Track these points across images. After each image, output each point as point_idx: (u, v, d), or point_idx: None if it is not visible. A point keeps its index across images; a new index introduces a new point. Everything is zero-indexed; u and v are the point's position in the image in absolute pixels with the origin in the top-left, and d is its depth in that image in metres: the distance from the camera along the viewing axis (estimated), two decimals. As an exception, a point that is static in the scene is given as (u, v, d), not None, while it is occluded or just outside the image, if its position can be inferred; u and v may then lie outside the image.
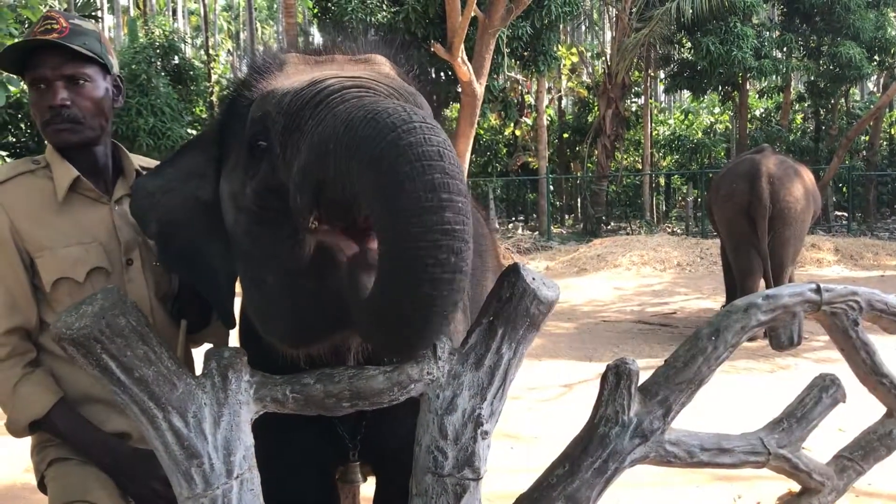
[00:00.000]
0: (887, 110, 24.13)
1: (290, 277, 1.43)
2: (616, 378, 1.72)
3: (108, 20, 28.50)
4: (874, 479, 3.87)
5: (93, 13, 15.34)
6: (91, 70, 1.97)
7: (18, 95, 13.73)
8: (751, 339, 6.36)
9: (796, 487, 2.14)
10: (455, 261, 1.14)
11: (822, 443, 2.50)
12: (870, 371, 2.08)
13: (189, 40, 29.64)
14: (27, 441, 2.05)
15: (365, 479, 2.07)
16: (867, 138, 23.09)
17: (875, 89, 28.00)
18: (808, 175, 8.23)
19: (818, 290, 1.96)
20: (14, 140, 15.22)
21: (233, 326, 1.98)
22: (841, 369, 2.16)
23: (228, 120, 1.70)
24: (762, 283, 7.68)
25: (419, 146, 1.14)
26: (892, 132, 26.92)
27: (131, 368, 1.34)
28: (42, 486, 2.02)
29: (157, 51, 17.41)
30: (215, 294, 1.79)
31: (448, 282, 1.15)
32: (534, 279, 1.60)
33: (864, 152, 23.49)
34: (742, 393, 5.88)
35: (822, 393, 2.03)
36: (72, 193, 1.98)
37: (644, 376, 1.81)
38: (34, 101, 1.94)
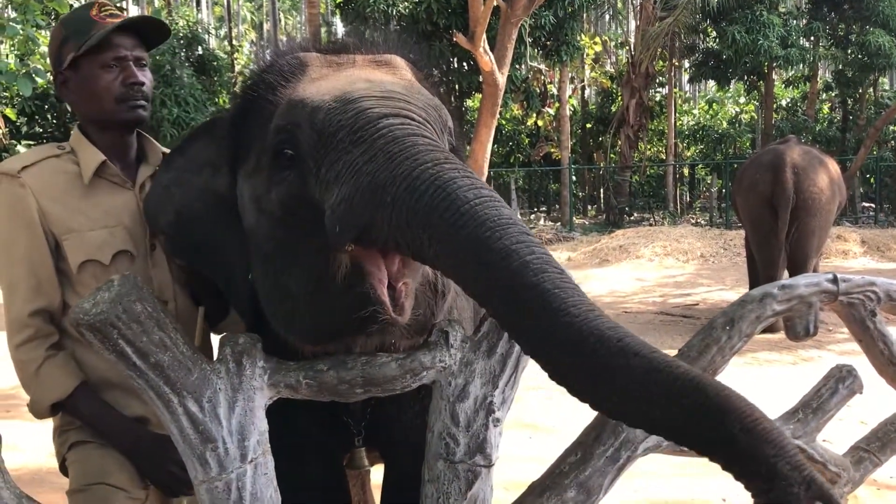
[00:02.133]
0: (917, 100, 23.70)
1: (316, 287, 1.45)
2: (630, 367, 1.72)
3: (133, 10, 28.71)
4: (896, 472, 3.85)
5: (118, 4, 15.49)
6: (147, 57, 2.10)
7: (45, 87, 13.91)
8: (772, 331, 6.28)
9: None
10: (561, 276, 1.16)
11: (844, 435, 2.48)
12: (887, 362, 2.07)
13: (213, 31, 29.83)
14: (51, 426, 2.09)
15: (372, 465, 2.08)
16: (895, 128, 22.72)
17: (905, 78, 27.57)
18: (833, 165, 8.14)
19: (835, 280, 1.95)
20: (41, 130, 15.43)
21: (213, 325, 2.02)
22: (863, 361, 2.14)
23: (245, 117, 1.70)
24: (786, 274, 7.61)
25: (496, 217, 1.19)
26: (922, 122, 26.46)
27: (147, 354, 1.37)
28: (63, 469, 2.05)
29: (181, 41, 17.56)
30: (231, 287, 1.81)
31: (570, 287, 1.16)
32: None
33: (893, 142, 23.12)
34: (763, 384, 5.84)
35: (839, 384, 2.01)
36: (97, 178, 2.01)
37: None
38: (106, 80, 1.99)
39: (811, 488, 1.02)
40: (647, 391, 1.06)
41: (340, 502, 2.09)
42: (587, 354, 1.08)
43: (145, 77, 2.05)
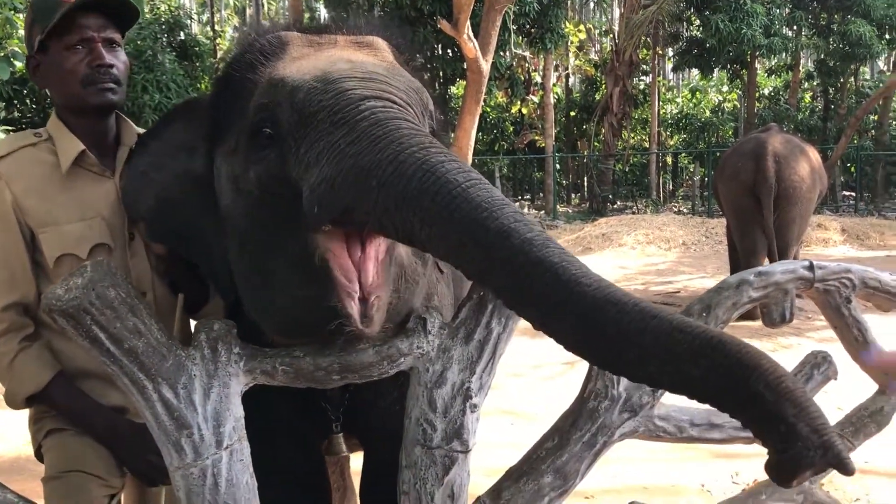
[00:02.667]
0: (897, 89, 23.88)
1: (294, 268, 1.45)
2: (606, 353, 1.73)
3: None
4: (870, 457, 3.90)
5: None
6: (119, 38, 2.03)
7: (23, 71, 13.73)
8: (752, 318, 6.34)
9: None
10: (557, 247, 1.17)
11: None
12: (861, 349, 2.09)
13: (195, 16, 29.54)
14: (28, 413, 2.08)
15: (352, 452, 2.09)
16: (876, 118, 22.88)
17: (885, 68, 27.76)
18: (814, 154, 8.19)
19: (811, 268, 1.96)
20: (19, 115, 15.24)
21: (193, 312, 2.00)
22: (842, 348, 2.16)
23: (225, 97, 1.68)
24: (767, 262, 7.67)
25: (487, 197, 1.19)
26: (902, 111, 26.68)
27: (121, 340, 1.36)
28: (39, 456, 2.04)
29: (163, 26, 17.35)
30: (212, 270, 1.80)
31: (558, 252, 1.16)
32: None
33: (873, 132, 23.29)
34: (743, 371, 5.89)
35: (814, 370, 2.03)
36: (75, 167, 1.97)
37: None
38: (72, 61, 1.94)
39: (828, 453, 1.02)
40: (670, 351, 1.06)
41: (318, 488, 2.09)
42: (609, 321, 1.08)
43: (116, 59, 1.99)
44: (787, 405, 1.03)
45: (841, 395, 3.01)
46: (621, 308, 1.08)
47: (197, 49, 18.57)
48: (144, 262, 2.03)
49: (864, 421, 2.15)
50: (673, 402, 1.86)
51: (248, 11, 35.94)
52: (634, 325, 1.07)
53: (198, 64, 18.27)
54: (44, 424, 2.01)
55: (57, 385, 1.91)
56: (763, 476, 2.29)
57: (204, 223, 1.73)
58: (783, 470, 1.06)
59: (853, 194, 21.30)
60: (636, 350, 1.08)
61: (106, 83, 1.97)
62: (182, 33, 18.38)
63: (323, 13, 22.92)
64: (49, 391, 1.91)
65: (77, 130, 2.00)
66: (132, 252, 2.01)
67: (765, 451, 2.10)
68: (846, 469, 1.04)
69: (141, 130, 2.15)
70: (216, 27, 25.77)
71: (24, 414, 2.08)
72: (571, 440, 1.71)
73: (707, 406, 1.93)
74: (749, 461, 4.12)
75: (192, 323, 2.10)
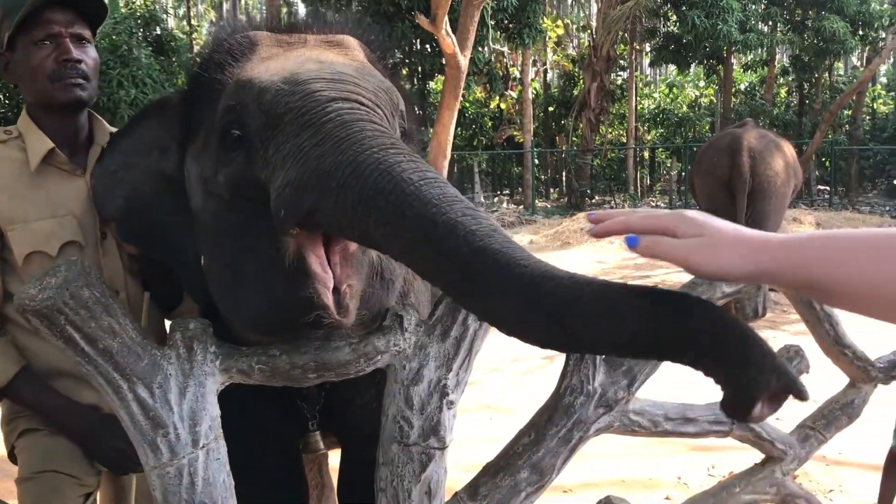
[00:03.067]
0: (870, 85, 24.18)
1: (263, 273, 1.44)
2: (582, 349, 1.74)
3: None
4: (844, 449, 3.97)
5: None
6: (89, 34, 2.01)
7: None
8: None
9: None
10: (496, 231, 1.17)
11: (797, 413, 2.54)
12: (833, 342, 2.12)
13: (171, 11, 29.28)
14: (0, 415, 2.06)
15: (329, 449, 2.09)
16: (850, 113, 23.18)
17: (858, 64, 28.10)
18: (789, 149, 8.27)
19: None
20: (-8, 112, 15.05)
21: (166, 312, 2.00)
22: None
23: (195, 97, 1.67)
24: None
25: (441, 194, 1.18)
26: (875, 107, 27.04)
27: (95, 339, 1.35)
28: (12, 457, 2.03)
29: (139, 21, 17.18)
30: (184, 270, 1.79)
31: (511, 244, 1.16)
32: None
33: (847, 127, 23.61)
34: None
35: (787, 363, 2.06)
36: (45, 165, 1.95)
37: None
38: (39, 57, 1.92)
39: (781, 378, 1.02)
40: (610, 313, 1.05)
41: (295, 487, 2.09)
42: (547, 295, 1.08)
43: (84, 54, 1.96)
44: (734, 335, 1.03)
45: (813, 389, 3.06)
46: (560, 281, 1.09)
47: (173, 44, 18.40)
48: (117, 260, 2.01)
49: (836, 413, 2.19)
50: (647, 397, 1.88)
51: (225, 6, 35.68)
52: (573, 294, 1.08)
53: (174, 59, 18.11)
54: (17, 425, 2.00)
55: (21, 380, 1.90)
56: (738, 468, 2.32)
57: (175, 223, 1.72)
58: (739, 401, 1.05)
59: (828, 188, 21.55)
60: (577, 320, 1.08)
61: (73, 79, 1.94)
62: (158, 28, 18.21)
63: (301, 8, 22.79)
64: (14, 386, 1.90)
65: (47, 128, 1.97)
66: (104, 250, 1.99)
67: (740, 444, 2.13)
68: (801, 394, 1.04)
69: (114, 129, 2.13)
70: (192, 22, 25.58)
71: (-6, 414, 2.07)
72: (548, 436, 1.72)
73: (681, 400, 1.96)
74: (725, 454, 4.17)
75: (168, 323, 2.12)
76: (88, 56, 1.98)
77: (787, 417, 2.29)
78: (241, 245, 1.48)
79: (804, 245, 0.96)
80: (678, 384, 2.54)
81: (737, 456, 3.99)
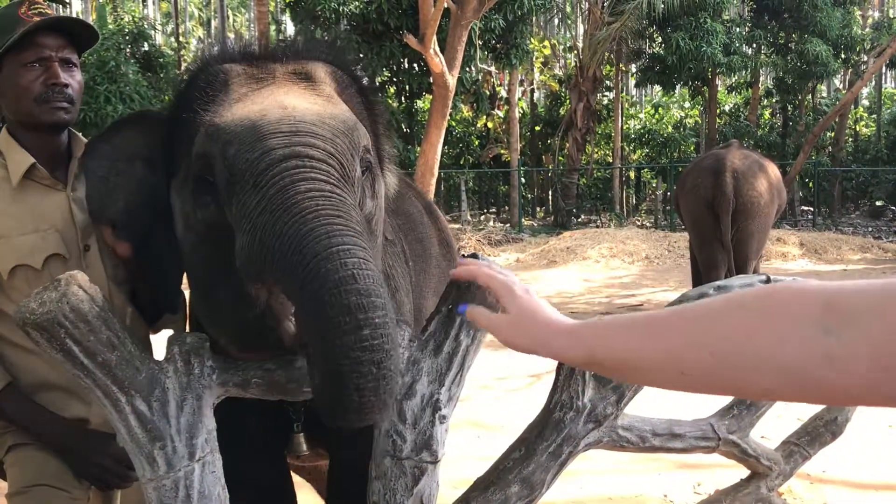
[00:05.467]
0: (852, 107, 24.53)
1: (235, 303, 1.50)
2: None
3: (77, 5, 28.03)
4: (828, 466, 4.01)
5: (51, 2, 15.10)
6: (76, 58, 2.05)
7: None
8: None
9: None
10: (378, 370, 1.27)
11: (782, 431, 2.58)
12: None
13: (159, 27, 29.33)
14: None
15: (312, 451, 2.09)
16: (833, 134, 23.47)
17: (841, 86, 28.47)
18: (773, 170, 8.37)
19: (768, 281, 2.03)
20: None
21: (175, 312, 2.02)
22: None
23: (174, 126, 1.72)
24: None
25: (335, 273, 1.26)
26: (857, 129, 27.39)
27: (95, 353, 1.36)
28: (1, 473, 2.03)
29: (127, 37, 17.22)
30: (161, 280, 1.83)
31: (373, 388, 1.27)
32: (490, 268, 1.64)
33: (830, 148, 23.89)
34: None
35: (772, 381, 2.09)
36: (26, 181, 1.98)
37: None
38: (27, 79, 1.95)
39: None
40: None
41: (283, 495, 2.11)
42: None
43: (71, 78, 2.01)
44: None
45: (802, 407, 3.10)
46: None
47: (161, 60, 18.45)
48: (101, 273, 2.03)
49: (820, 430, 2.22)
50: (636, 413, 1.91)
51: (213, 23, 35.74)
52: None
53: (161, 75, 18.14)
54: (5, 440, 2.00)
55: (5, 395, 1.92)
56: (724, 486, 2.35)
57: (158, 233, 1.77)
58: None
59: (811, 209, 21.75)
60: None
61: (60, 102, 1.98)
62: (146, 44, 18.27)
63: (289, 26, 22.86)
64: None
65: (28, 145, 2.00)
66: (87, 263, 2.01)
67: (725, 462, 2.16)
68: None
69: None
70: (181, 38, 25.61)
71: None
72: (538, 450, 1.74)
73: (671, 415, 1.99)
74: (711, 471, 4.20)
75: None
76: (75, 80, 2.02)
77: (772, 435, 2.33)
78: (215, 278, 1.57)
79: (587, 326, 1.08)
80: (665, 401, 2.57)
81: (722, 473, 4.03)
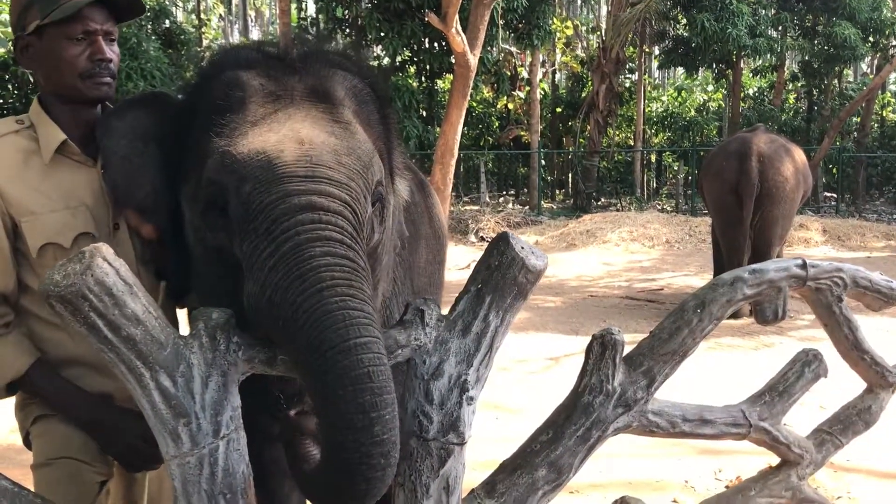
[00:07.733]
0: (879, 92, 24.08)
1: (239, 309, 1.51)
2: (601, 348, 1.74)
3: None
4: (852, 455, 3.95)
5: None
6: (116, 31, 2.03)
7: (5, 57, 13.56)
8: (736, 317, 6.46)
9: (776, 462, 2.17)
10: (384, 461, 1.34)
11: (806, 419, 2.53)
12: (851, 346, 2.11)
13: (180, 4, 29.31)
14: (11, 402, 2.05)
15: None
16: (858, 120, 23.10)
17: (868, 71, 28.01)
18: (799, 154, 8.25)
19: (804, 266, 1.98)
20: (1, 101, 15.04)
21: (178, 300, 2.02)
22: (824, 348, 2.18)
23: (187, 125, 1.72)
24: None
25: (352, 370, 1.32)
26: (884, 114, 26.95)
27: (119, 327, 1.34)
28: (27, 443, 2.02)
29: (148, 14, 17.18)
30: (186, 259, 1.82)
31: (380, 478, 1.34)
32: (522, 248, 1.60)
33: (855, 134, 23.52)
34: (727, 368, 5.94)
35: (805, 367, 2.05)
36: (58, 156, 1.94)
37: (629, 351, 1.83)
38: (71, 53, 1.92)
39: None
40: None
41: (270, 483, 2.15)
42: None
43: (113, 52, 1.98)
44: None
45: (825, 395, 3.04)
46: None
47: (182, 37, 18.44)
48: (129, 251, 2.00)
49: (853, 419, 2.17)
50: (666, 398, 1.87)
51: (234, 0, 35.67)
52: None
53: (183, 52, 18.12)
54: (31, 410, 2.00)
55: (37, 371, 1.90)
56: (746, 472, 2.31)
57: (171, 222, 1.81)
58: None
59: (835, 195, 21.48)
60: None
61: (104, 77, 1.97)
62: (167, 21, 18.25)
63: (310, 4, 22.77)
64: (29, 378, 1.89)
65: (61, 118, 1.97)
66: (116, 241, 1.98)
67: (747, 448, 2.12)
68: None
69: None
70: (202, 15, 25.58)
71: (4, 404, 2.06)
72: (566, 434, 1.72)
73: (699, 402, 1.95)
74: (733, 457, 4.16)
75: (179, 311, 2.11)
76: (115, 53, 2.00)
77: (797, 423, 2.29)
78: (221, 287, 1.60)
79: None
80: (696, 386, 2.53)
81: (744, 460, 3.99)
